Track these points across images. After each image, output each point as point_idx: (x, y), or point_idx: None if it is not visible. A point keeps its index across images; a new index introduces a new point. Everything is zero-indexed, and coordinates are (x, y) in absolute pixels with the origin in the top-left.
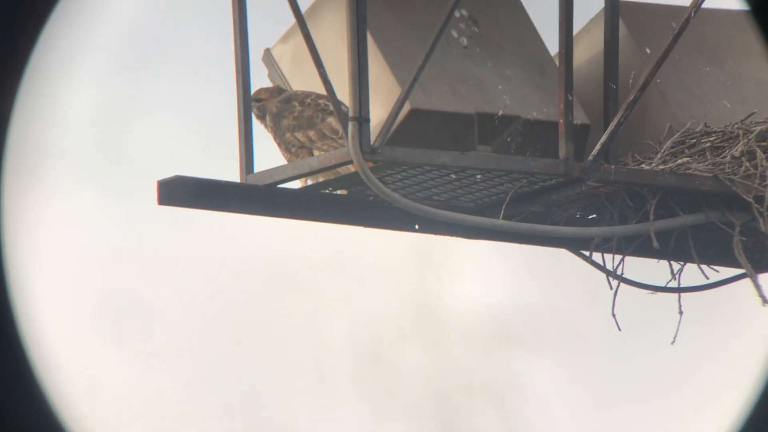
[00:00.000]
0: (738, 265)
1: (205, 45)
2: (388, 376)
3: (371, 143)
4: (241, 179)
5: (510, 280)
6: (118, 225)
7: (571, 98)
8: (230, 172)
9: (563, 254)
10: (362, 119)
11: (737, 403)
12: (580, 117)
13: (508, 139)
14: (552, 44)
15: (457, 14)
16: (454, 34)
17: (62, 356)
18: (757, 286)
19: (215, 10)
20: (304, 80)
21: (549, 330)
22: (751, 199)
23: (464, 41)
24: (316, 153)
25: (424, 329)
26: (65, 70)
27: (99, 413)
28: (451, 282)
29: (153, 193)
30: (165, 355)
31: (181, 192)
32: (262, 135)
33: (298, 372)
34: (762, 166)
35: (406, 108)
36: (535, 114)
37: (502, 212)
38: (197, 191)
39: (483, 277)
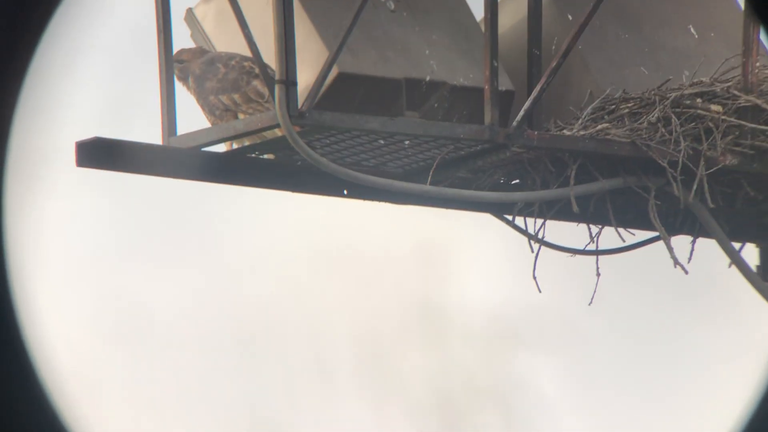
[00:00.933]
0: (653, 229)
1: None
2: (390, 376)
3: (299, 107)
4: (163, 142)
5: (513, 281)
6: (119, 225)
7: (496, 64)
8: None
9: (488, 219)
10: (289, 82)
11: (739, 403)
12: (505, 83)
13: (435, 105)
14: (478, 10)
15: None
16: None
17: (63, 357)
18: (670, 249)
19: None
20: (228, 42)
21: (551, 330)
22: (665, 164)
23: (391, 5)
24: (241, 116)
25: (427, 329)
26: (67, 70)
27: (100, 413)
28: (454, 281)
29: (154, 193)
30: (166, 355)
31: (101, 153)
32: (185, 97)
33: (299, 372)
34: (676, 132)
35: (334, 72)
36: (461, 80)
37: (430, 178)
38: (118, 153)
39: (485, 277)
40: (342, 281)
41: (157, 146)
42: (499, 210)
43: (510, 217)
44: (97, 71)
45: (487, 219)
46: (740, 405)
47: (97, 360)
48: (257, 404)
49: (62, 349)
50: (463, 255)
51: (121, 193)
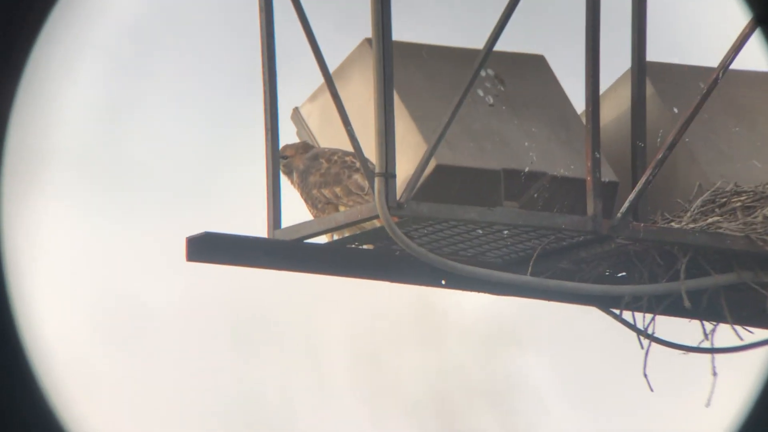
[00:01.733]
0: None
1: (205, 45)
2: (387, 376)
3: (397, 198)
4: (268, 234)
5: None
6: (118, 225)
7: (598, 155)
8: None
9: (593, 312)
10: (388, 175)
11: (737, 402)
12: (607, 174)
13: (535, 195)
14: (579, 102)
15: (483, 73)
16: (480, 92)
17: (61, 356)
18: None
19: (216, 10)
20: (331, 138)
21: (547, 330)
22: None
23: (490, 100)
24: (341, 209)
25: (423, 329)
26: (64, 70)
27: (98, 413)
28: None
29: (152, 195)
30: (164, 356)
31: (210, 248)
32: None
33: (297, 372)
34: None
35: (432, 164)
36: (562, 171)
37: (530, 268)
38: (225, 247)
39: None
40: (341, 281)
41: (264, 239)
42: (604, 303)
43: (617, 311)
44: (97, 71)
45: (591, 312)
46: (739, 403)
47: (94, 359)
48: (254, 403)
49: (59, 348)
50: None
51: (121, 194)
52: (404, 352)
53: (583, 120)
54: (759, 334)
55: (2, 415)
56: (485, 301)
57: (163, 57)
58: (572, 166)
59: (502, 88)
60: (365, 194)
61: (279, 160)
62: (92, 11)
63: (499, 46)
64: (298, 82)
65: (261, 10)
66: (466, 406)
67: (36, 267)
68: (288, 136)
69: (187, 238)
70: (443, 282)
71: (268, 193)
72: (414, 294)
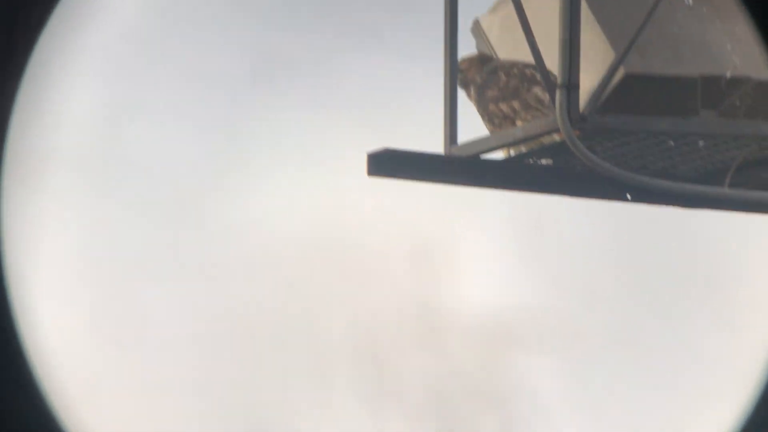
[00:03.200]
0: None
1: (205, 45)
2: (388, 378)
3: (580, 110)
4: (445, 151)
5: (512, 281)
6: (119, 226)
7: None
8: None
9: None
10: (571, 86)
11: (738, 403)
12: None
13: (737, 102)
14: None
15: None
16: None
17: (61, 358)
18: None
19: (215, 10)
20: (512, 50)
21: (551, 332)
22: None
23: (689, 1)
24: (518, 124)
25: (425, 330)
26: (65, 71)
27: (99, 414)
28: (452, 282)
29: (154, 195)
30: (164, 356)
31: (389, 163)
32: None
33: (297, 373)
34: None
35: (620, 73)
36: None
37: (728, 180)
38: (404, 163)
39: (484, 278)
40: (342, 281)
41: (441, 156)
42: None
43: None
44: (98, 72)
45: None
46: (740, 405)
47: (95, 360)
48: (254, 405)
49: (60, 349)
50: (464, 255)
51: (121, 194)
52: (405, 353)
53: None
54: None
55: (3, 417)
56: (489, 302)
57: (163, 57)
58: None
59: None
60: (545, 108)
61: (457, 73)
62: (93, 12)
63: None
64: None
65: None
66: (468, 408)
67: (36, 267)
68: (468, 50)
69: (368, 153)
70: (628, 197)
71: (445, 108)
72: (416, 295)
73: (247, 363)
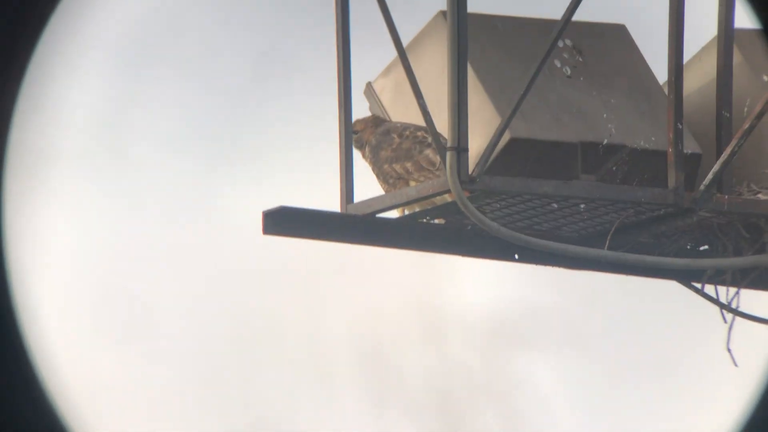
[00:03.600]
0: None
1: (205, 45)
2: (390, 376)
3: (469, 172)
4: (341, 209)
5: (512, 279)
6: (119, 225)
7: (681, 126)
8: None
9: (672, 286)
10: (460, 149)
11: (739, 402)
12: (690, 146)
13: (614, 168)
14: (661, 73)
15: (560, 44)
16: (557, 63)
17: (64, 356)
18: None
19: (215, 9)
20: (404, 112)
21: (551, 329)
22: None
23: (568, 71)
24: (412, 184)
25: (426, 328)
26: (66, 70)
27: (101, 413)
28: (453, 280)
29: (154, 193)
30: (166, 355)
31: (285, 222)
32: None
33: (299, 371)
34: None
35: (506, 137)
36: (642, 143)
37: (607, 242)
38: (300, 221)
39: (485, 276)
40: (344, 280)
41: (337, 214)
42: (685, 277)
43: (698, 285)
44: (99, 71)
45: (671, 286)
46: (740, 404)
47: (96, 359)
48: (257, 403)
49: (61, 347)
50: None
51: (121, 194)
52: (407, 351)
53: (666, 90)
54: None
55: (4, 415)
56: (488, 299)
57: (163, 57)
58: (653, 138)
59: (581, 59)
60: (436, 170)
61: (352, 134)
62: (94, 11)
63: (578, 16)
64: (371, 57)
65: None
66: (469, 405)
67: (37, 266)
68: (361, 111)
69: (263, 211)
70: (516, 257)
71: (341, 167)
72: (417, 293)
73: (249, 362)
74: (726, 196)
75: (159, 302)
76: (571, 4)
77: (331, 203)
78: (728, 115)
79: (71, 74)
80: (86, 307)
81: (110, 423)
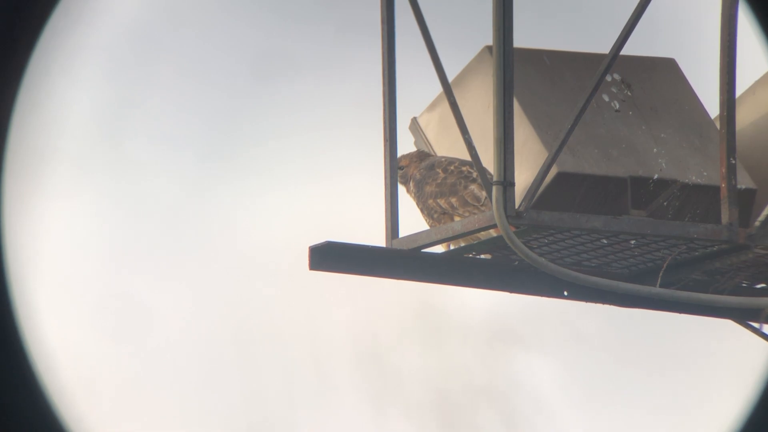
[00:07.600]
0: None
1: (205, 45)
2: (389, 376)
3: (516, 207)
4: (386, 244)
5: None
6: (118, 225)
7: (734, 161)
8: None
9: (727, 325)
10: (506, 183)
11: (737, 402)
12: (744, 181)
13: (665, 203)
14: (712, 107)
15: (608, 78)
16: (606, 98)
17: (62, 356)
18: None
19: (215, 9)
20: (449, 147)
21: (549, 330)
22: None
23: (616, 105)
24: (456, 219)
25: (425, 329)
26: (65, 70)
27: (99, 413)
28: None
29: (154, 193)
30: (165, 355)
31: (331, 257)
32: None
33: (298, 372)
34: None
35: (553, 171)
36: (693, 178)
37: (659, 279)
38: (346, 256)
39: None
40: (343, 281)
41: (382, 248)
42: (742, 316)
43: (756, 325)
44: (98, 72)
45: (725, 325)
46: (739, 405)
47: (96, 359)
48: (256, 403)
49: (60, 347)
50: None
51: (121, 194)
52: (406, 352)
53: (717, 125)
54: None
55: (3, 415)
56: (488, 301)
57: (163, 57)
58: (705, 173)
59: (629, 93)
60: (481, 205)
61: (397, 169)
62: (93, 12)
63: (626, 50)
64: (417, 92)
65: (383, 21)
66: (469, 406)
67: (37, 266)
68: (406, 146)
69: (310, 247)
70: (566, 293)
71: (386, 202)
72: (416, 294)
73: (247, 362)
74: None
75: (158, 302)
76: (619, 37)
77: (369, 237)
78: None
79: (71, 74)
80: (85, 307)
81: (109, 423)
